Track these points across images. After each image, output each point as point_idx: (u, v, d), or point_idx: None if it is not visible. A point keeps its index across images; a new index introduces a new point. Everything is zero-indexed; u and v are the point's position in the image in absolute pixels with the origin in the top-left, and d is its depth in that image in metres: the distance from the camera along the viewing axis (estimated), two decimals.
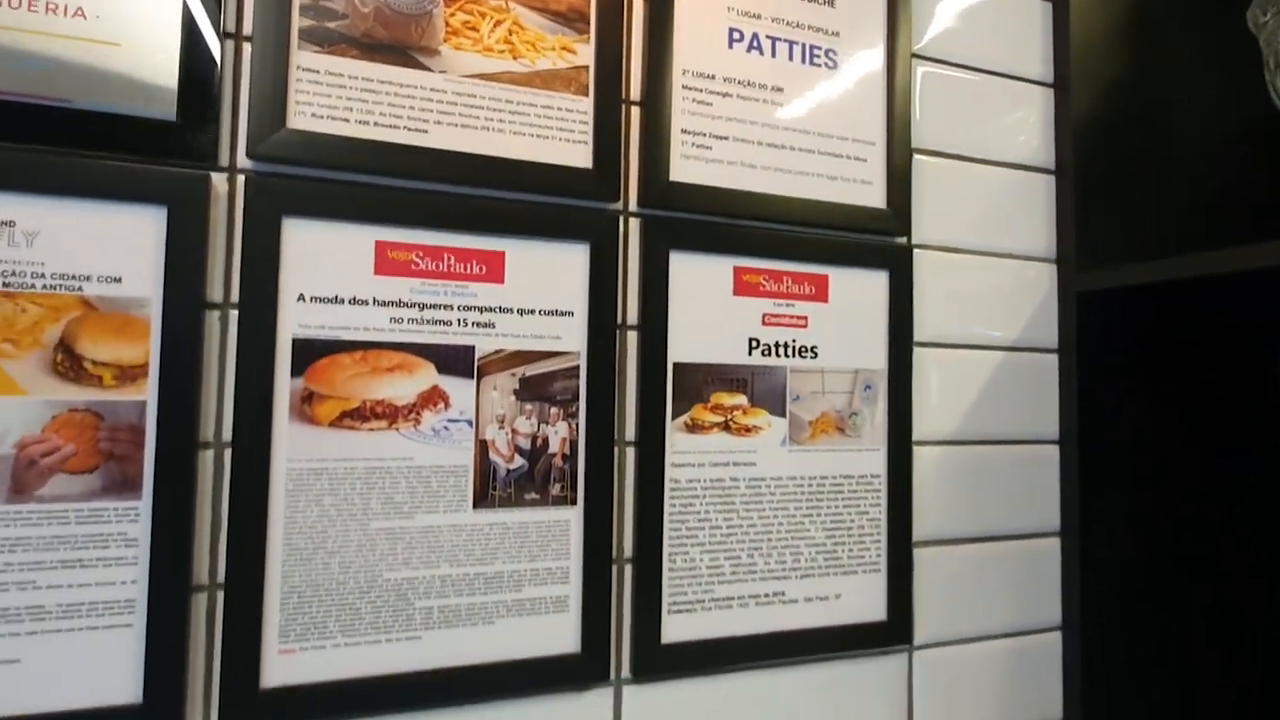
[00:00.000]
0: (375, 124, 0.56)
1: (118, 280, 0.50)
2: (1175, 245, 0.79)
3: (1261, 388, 0.83)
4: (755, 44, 0.67)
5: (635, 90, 0.64)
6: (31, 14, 0.49)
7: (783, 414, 0.67)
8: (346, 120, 0.56)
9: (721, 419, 0.65)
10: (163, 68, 0.52)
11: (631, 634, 0.61)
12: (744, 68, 0.67)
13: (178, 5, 0.52)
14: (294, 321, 0.54)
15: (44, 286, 0.49)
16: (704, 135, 0.65)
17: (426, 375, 0.57)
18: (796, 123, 0.69)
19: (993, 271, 0.77)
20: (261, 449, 0.53)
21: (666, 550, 0.63)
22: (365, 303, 0.56)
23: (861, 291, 0.70)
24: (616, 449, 0.62)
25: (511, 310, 0.59)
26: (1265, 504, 0.83)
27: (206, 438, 0.52)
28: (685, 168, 0.65)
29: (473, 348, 0.58)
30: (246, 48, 0.54)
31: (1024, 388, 0.78)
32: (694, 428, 0.64)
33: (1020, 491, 0.77)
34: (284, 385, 0.54)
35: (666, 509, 0.63)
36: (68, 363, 0.49)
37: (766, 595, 0.65)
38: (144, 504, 0.50)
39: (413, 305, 0.57)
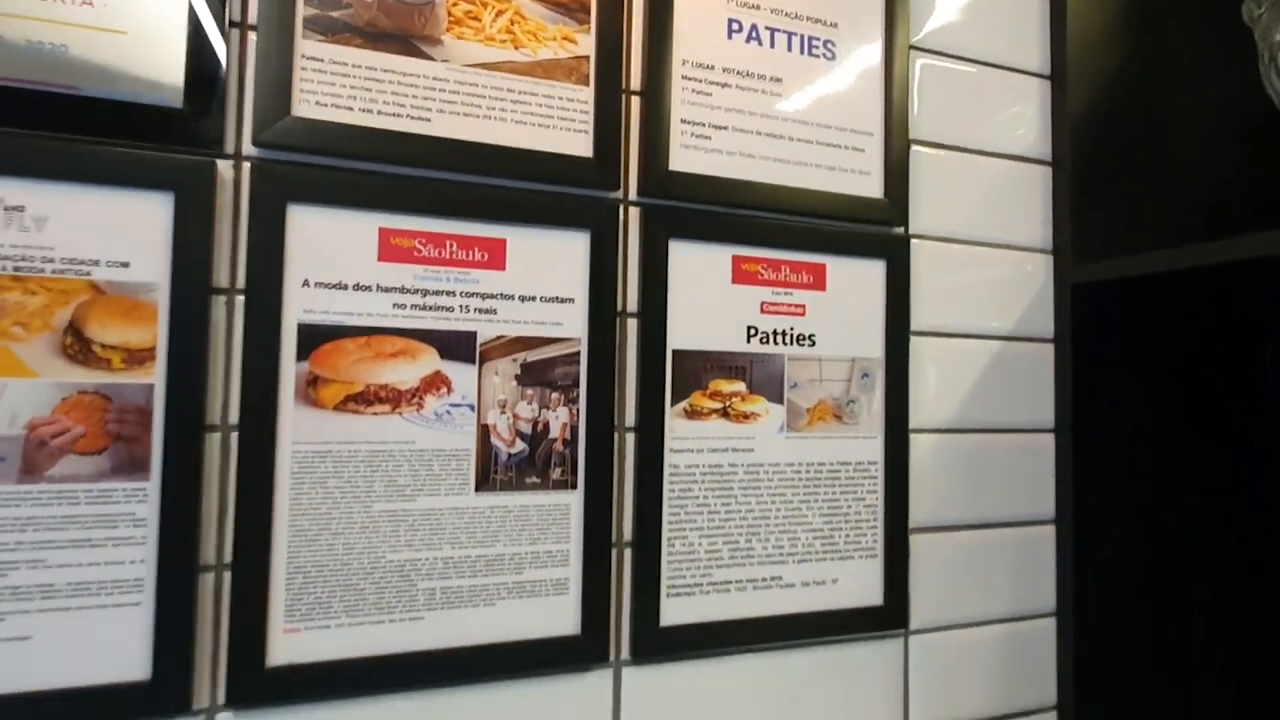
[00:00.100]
0: (379, 112, 0.57)
1: (126, 265, 0.51)
2: (1171, 238, 0.80)
3: (1256, 378, 0.83)
4: (754, 35, 0.68)
5: (635, 80, 0.65)
6: (40, 2, 0.50)
7: (781, 401, 0.68)
8: (350, 108, 0.56)
9: (720, 406, 0.66)
10: (169, 56, 0.53)
11: (631, 616, 0.62)
12: (743, 58, 0.68)
13: None
14: (299, 307, 0.55)
15: (53, 271, 0.50)
16: (703, 125, 0.66)
17: (429, 360, 0.58)
18: (795, 113, 0.69)
19: (989, 262, 0.78)
20: (267, 432, 0.53)
21: (665, 534, 0.63)
22: (369, 289, 0.56)
23: (859, 281, 0.71)
24: (616, 434, 0.63)
25: (513, 297, 0.60)
26: (1259, 493, 0.84)
27: (213, 420, 0.53)
28: (685, 157, 0.65)
29: (474, 333, 0.59)
30: (251, 36, 0.55)
31: (1020, 377, 0.78)
32: (693, 414, 0.65)
33: (1016, 480, 0.78)
34: (289, 369, 0.54)
35: (665, 494, 0.64)
36: (77, 346, 0.50)
37: (764, 579, 0.66)
38: (152, 485, 0.51)
39: (415, 291, 0.58)
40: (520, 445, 0.60)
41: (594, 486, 0.61)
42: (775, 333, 0.68)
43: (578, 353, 0.62)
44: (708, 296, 0.66)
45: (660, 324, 0.64)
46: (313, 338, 0.55)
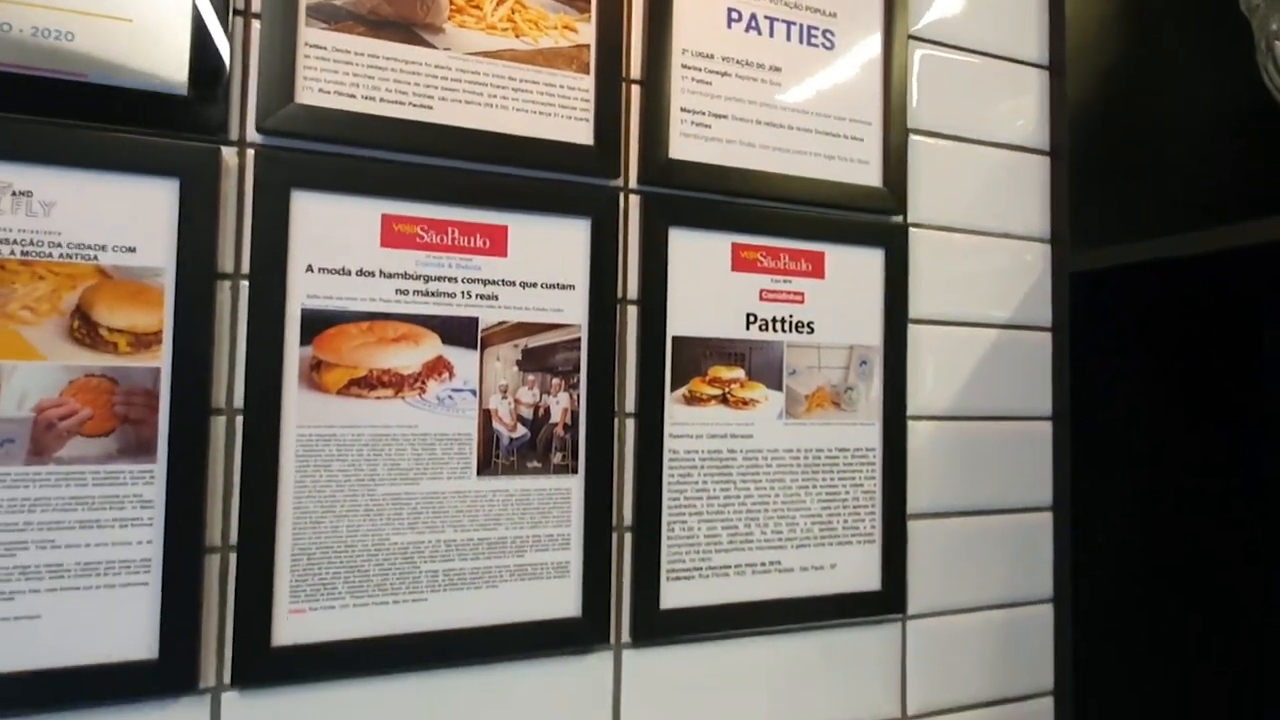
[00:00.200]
0: (381, 100, 0.58)
1: (132, 250, 0.52)
2: (1168, 228, 0.80)
3: (1253, 365, 0.84)
4: (754, 24, 0.69)
5: (635, 69, 0.65)
6: None
7: (779, 388, 0.68)
8: (353, 96, 0.57)
9: (719, 392, 0.66)
10: (174, 44, 0.54)
11: (631, 599, 0.63)
12: (742, 47, 0.68)
13: None
14: (302, 292, 0.55)
15: (61, 255, 0.50)
16: (703, 114, 0.67)
17: (431, 346, 0.58)
18: (794, 102, 0.70)
19: (988, 251, 0.78)
20: (272, 415, 0.54)
21: (665, 519, 0.64)
22: (372, 274, 0.57)
23: (857, 269, 0.72)
24: (616, 420, 0.64)
25: (514, 283, 0.61)
26: (1256, 480, 0.84)
27: (219, 404, 0.54)
28: (684, 146, 0.66)
29: (476, 319, 0.60)
30: (255, 24, 0.56)
31: (1018, 365, 0.79)
32: (692, 400, 0.65)
33: (1013, 467, 0.78)
34: (293, 354, 0.55)
35: (665, 479, 0.64)
36: (84, 329, 0.51)
37: (763, 564, 0.67)
38: (159, 467, 0.52)
39: (418, 277, 0.58)
40: (521, 430, 0.60)
41: (594, 471, 0.62)
42: (774, 320, 0.68)
43: (578, 339, 0.62)
44: (707, 284, 0.66)
45: (660, 311, 0.64)
46: (316, 322, 0.56)
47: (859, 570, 0.71)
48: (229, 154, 0.55)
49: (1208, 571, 0.82)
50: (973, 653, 0.76)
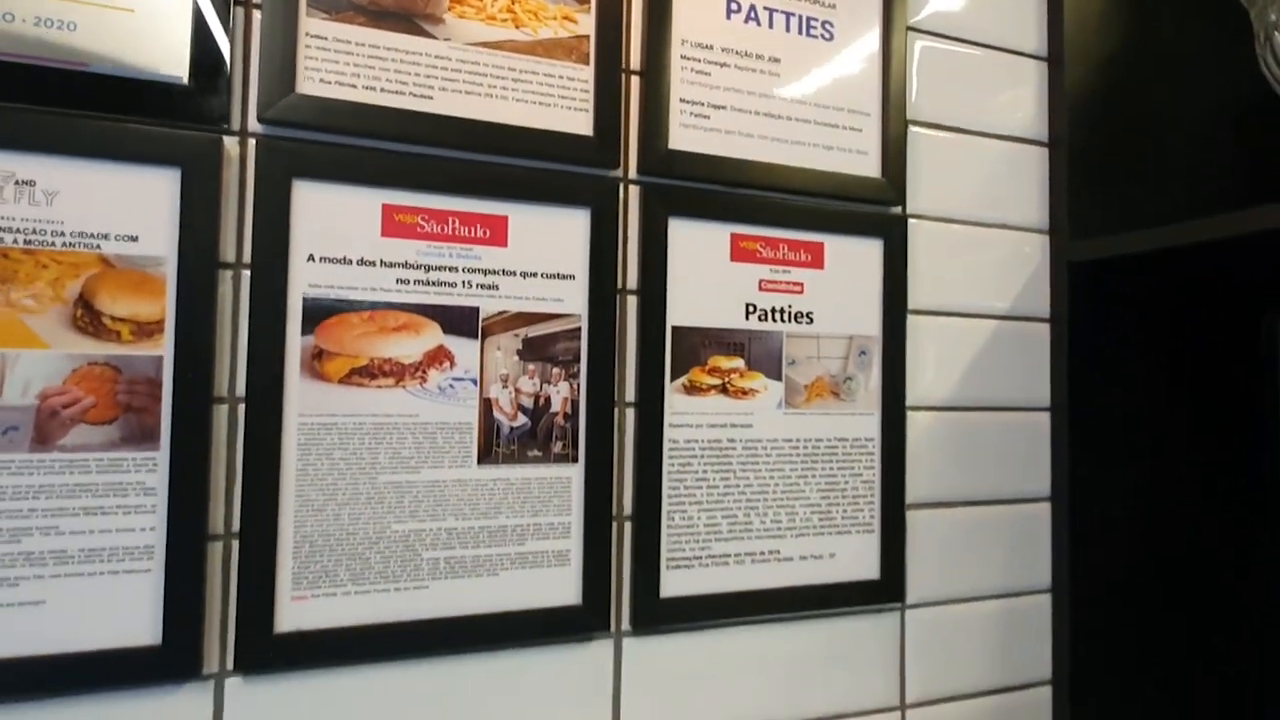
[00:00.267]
0: (382, 90, 0.58)
1: (134, 239, 0.52)
2: (1166, 218, 0.81)
3: (1252, 353, 0.84)
4: (753, 15, 0.69)
5: (635, 60, 0.66)
6: None
7: (779, 377, 0.68)
8: (354, 86, 0.57)
9: (719, 381, 0.67)
10: (175, 34, 0.54)
11: (631, 588, 0.63)
12: (742, 38, 0.68)
13: None
14: (304, 281, 0.56)
15: (64, 244, 0.51)
16: (702, 104, 0.67)
17: (432, 335, 0.59)
18: (793, 93, 0.70)
19: (986, 242, 0.78)
20: (274, 404, 0.55)
21: (665, 508, 0.64)
22: (373, 264, 0.57)
23: (856, 259, 0.72)
24: (616, 409, 0.64)
25: (514, 273, 0.61)
26: (1256, 469, 0.85)
27: (221, 392, 0.54)
28: (684, 136, 0.66)
29: (477, 309, 0.60)
30: (256, 15, 0.56)
31: (1017, 356, 0.79)
32: (692, 390, 0.66)
33: (1012, 457, 0.79)
34: (295, 343, 0.55)
35: (665, 468, 0.65)
36: (87, 318, 0.51)
37: (762, 553, 0.67)
38: (161, 455, 0.52)
39: (419, 267, 0.59)
40: (522, 419, 0.61)
41: (595, 460, 0.62)
42: (773, 310, 0.68)
43: (578, 328, 0.63)
44: (707, 274, 0.67)
45: (660, 301, 0.65)
46: (318, 312, 0.56)
47: (858, 559, 0.71)
48: (230, 144, 0.55)
49: (1207, 561, 0.82)
50: (971, 642, 0.76)
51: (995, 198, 0.79)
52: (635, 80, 0.66)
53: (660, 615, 0.64)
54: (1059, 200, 0.81)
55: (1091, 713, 0.77)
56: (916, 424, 0.74)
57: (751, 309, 0.68)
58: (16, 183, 0.50)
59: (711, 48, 0.67)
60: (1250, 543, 0.84)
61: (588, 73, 0.63)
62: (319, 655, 0.55)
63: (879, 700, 0.72)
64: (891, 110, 0.73)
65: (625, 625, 0.64)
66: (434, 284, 0.59)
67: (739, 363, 0.67)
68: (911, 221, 0.75)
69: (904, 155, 0.74)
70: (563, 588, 0.61)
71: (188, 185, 0.53)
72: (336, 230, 0.57)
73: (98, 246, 0.51)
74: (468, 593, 0.59)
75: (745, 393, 0.67)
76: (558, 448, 0.62)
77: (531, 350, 0.61)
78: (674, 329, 0.65)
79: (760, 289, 0.68)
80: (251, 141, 0.55)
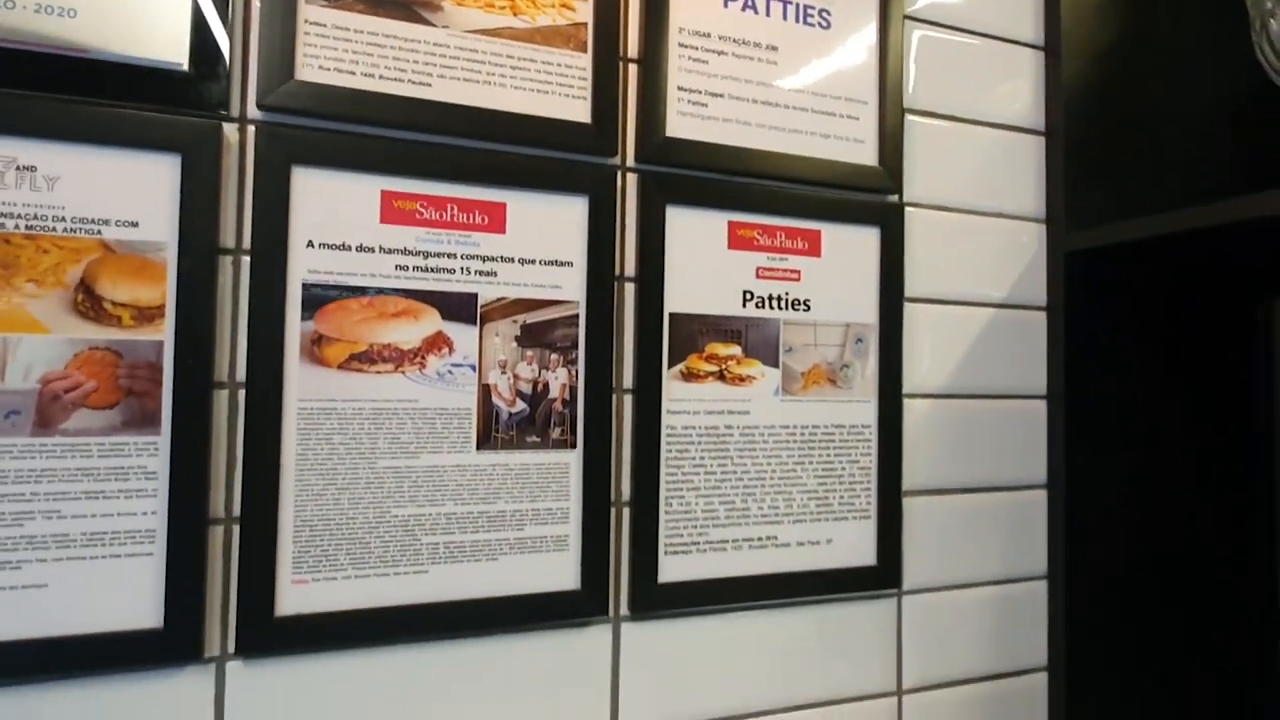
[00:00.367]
0: (380, 77, 0.58)
1: (135, 225, 0.53)
2: (1162, 207, 0.81)
3: (1246, 341, 0.85)
4: (750, 3, 0.69)
5: (633, 48, 0.66)
6: None
7: (776, 365, 0.69)
8: (353, 73, 0.57)
9: (716, 368, 0.67)
10: (175, 21, 0.54)
11: (629, 573, 0.64)
12: (739, 26, 0.69)
13: None
14: (303, 267, 0.56)
15: (65, 229, 0.51)
16: (700, 93, 0.67)
17: (431, 321, 0.59)
18: (791, 81, 0.70)
19: (983, 230, 0.79)
20: (274, 389, 0.55)
21: (663, 494, 0.65)
22: (372, 250, 0.58)
23: (853, 247, 0.72)
24: (615, 396, 0.64)
25: (513, 260, 0.61)
26: (1251, 456, 0.85)
27: (221, 377, 0.55)
28: (681, 124, 0.66)
29: (475, 295, 0.60)
30: (255, 1, 0.56)
31: (1013, 344, 0.80)
32: (689, 376, 0.66)
33: (1008, 445, 0.79)
34: (294, 328, 0.56)
35: (663, 454, 0.65)
36: (88, 303, 0.51)
37: (760, 539, 0.68)
38: (163, 439, 0.52)
39: (417, 253, 0.59)
40: (520, 405, 0.61)
41: (593, 446, 0.63)
42: (770, 297, 0.69)
43: (576, 315, 0.63)
44: (704, 261, 0.67)
45: (657, 288, 0.65)
46: (317, 298, 0.56)
47: (855, 546, 0.71)
48: (230, 130, 0.55)
49: (1202, 549, 0.83)
50: (968, 628, 0.77)
51: (992, 186, 0.79)
52: (633, 68, 0.66)
53: (658, 600, 0.64)
54: (1055, 189, 0.81)
55: (1087, 699, 0.78)
56: (913, 411, 0.75)
57: (749, 296, 0.68)
58: (18, 168, 0.50)
59: (709, 36, 0.68)
60: (1246, 530, 0.85)
61: (585, 60, 0.64)
62: (319, 639, 0.55)
63: (876, 685, 0.72)
64: (889, 99, 0.73)
65: (624, 610, 0.64)
66: (433, 270, 0.59)
67: (736, 350, 0.68)
68: (908, 210, 0.75)
69: (901, 144, 0.74)
70: (561, 573, 0.62)
71: (188, 171, 0.53)
72: (336, 217, 0.57)
73: (99, 232, 0.52)
74: (467, 577, 0.59)
75: (742, 380, 0.68)
76: (556, 434, 0.62)
77: (530, 337, 0.62)
78: (672, 316, 0.66)
79: (757, 276, 0.69)
80: (251, 128, 0.56)
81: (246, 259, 0.55)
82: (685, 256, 0.66)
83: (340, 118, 0.57)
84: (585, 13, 0.64)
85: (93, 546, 0.51)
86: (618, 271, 0.65)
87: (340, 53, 0.57)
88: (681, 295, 0.66)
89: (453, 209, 0.60)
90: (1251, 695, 0.84)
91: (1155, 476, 0.81)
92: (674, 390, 0.66)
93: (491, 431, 0.60)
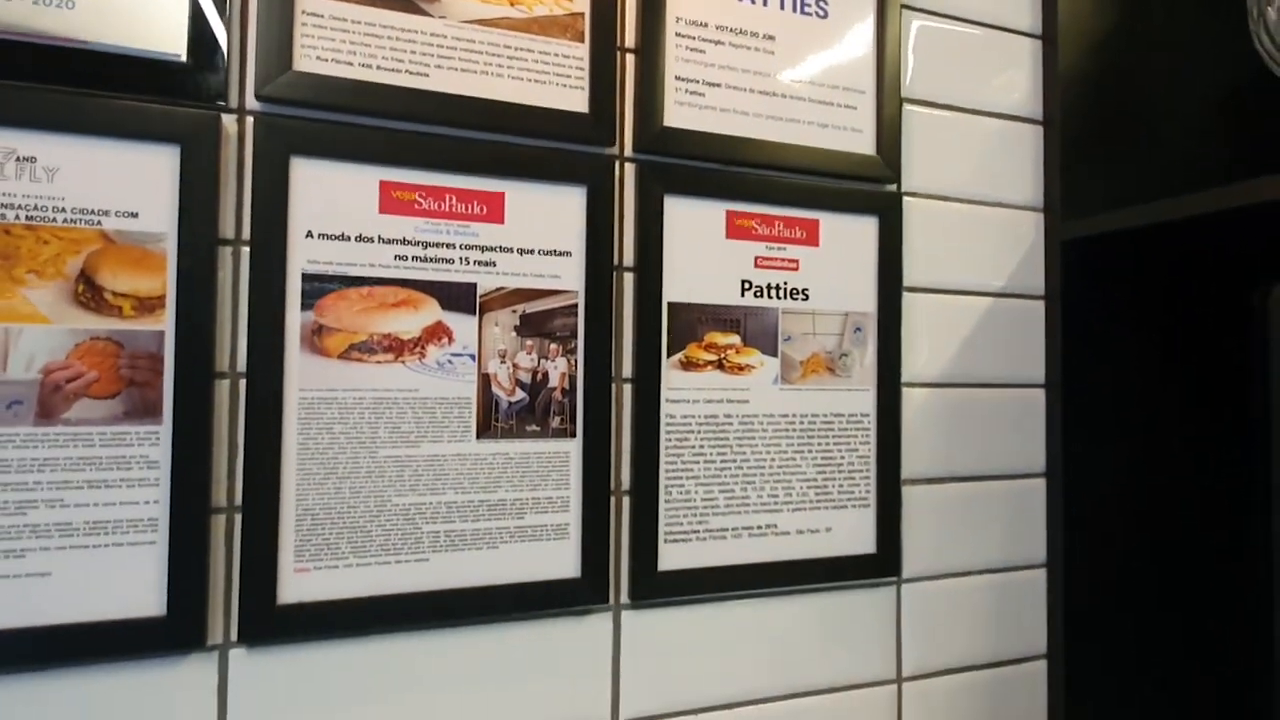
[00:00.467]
0: (378, 67, 0.58)
1: (134, 215, 0.53)
2: (1159, 196, 0.81)
3: (1244, 327, 0.85)
4: None
5: (630, 37, 0.66)
6: None
7: (774, 353, 0.69)
8: (350, 63, 0.58)
9: (715, 357, 0.67)
10: (173, 12, 0.54)
11: (629, 561, 0.64)
12: (737, 16, 0.69)
13: None
14: (303, 257, 0.56)
15: (65, 220, 0.51)
16: (697, 82, 0.67)
17: (430, 311, 0.59)
18: (788, 71, 0.70)
19: (981, 219, 0.79)
20: (274, 379, 0.55)
21: (663, 482, 0.65)
22: (371, 240, 0.58)
23: (852, 236, 0.72)
24: (614, 385, 0.65)
25: (512, 250, 0.62)
26: (1248, 443, 0.85)
27: (222, 367, 0.55)
28: (679, 114, 0.67)
29: (474, 285, 0.60)
30: None
31: (1011, 333, 0.80)
32: (688, 365, 0.66)
33: (1007, 434, 0.79)
34: (294, 318, 0.56)
35: (662, 443, 0.65)
36: (89, 293, 0.51)
37: (759, 527, 0.68)
38: (164, 429, 0.53)
39: (416, 243, 0.59)
40: (520, 394, 0.61)
41: (593, 435, 0.63)
42: (769, 286, 0.69)
43: (575, 304, 0.63)
44: (703, 251, 0.67)
45: (656, 277, 0.65)
46: (317, 288, 0.57)
47: (854, 534, 0.72)
48: (229, 121, 0.55)
49: (1200, 535, 0.83)
50: (967, 616, 0.77)
51: (990, 175, 0.79)
52: (630, 58, 0.66)
53: (658, 588, 0.65)
54: (1053, 179, 0.81)
55: (1086, 687, 0.78)
56: (912, 400, 0.75)
57: (747, 286, 0.68)
58: (18, 159, 0.50)
59: (706, 25, 0.68)
60: (1243, 517, 0.85)
61: (583, 50, 0.64)
62: (321, 627, 0.56)
63: (875, 673, 0.73)
64: (886, 88, 0.73)
65: (624, 598, 0.64)
66: (432, 260, 0.59)
67: (735, 339, 0.68)
68: (906, 199, 0.75)
69: (899, 133, 0.74)
70: (562, 561, 0.62)
71: (187, 162, 0.54)
72: (334, 207, 0.57)
73: (98, 223, 0.52)
74: (467, 565, 0.59)
75: (741, 368, 0.68)
76: (556, 423, 0.62)
77: (529, 326, 0.62)
78: (670, 305, 0.66)
79: (756, 266, 0.69)
80: (249, 119, 0.56)
81: (246, 249, 0.55)
82: (684, 246, 0.66)
83: (338, 108, 0.57)
84: (582, 2, 0.64)
85: (95, 535, 0.51)
86: (616, 261, 0.65)
87: (338, 43, 0.57)
88: (680, 284, 0.66)
89: (451, 199, 0.60)
90: (1250, 681, 0.85)
91: (1153, 464, 0.81)
92: (673, 379, 0.66)
93: (491, 420, 0.60)
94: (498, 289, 0.61)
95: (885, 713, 0.73)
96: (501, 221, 0.61)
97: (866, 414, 0.72)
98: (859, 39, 0.73)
